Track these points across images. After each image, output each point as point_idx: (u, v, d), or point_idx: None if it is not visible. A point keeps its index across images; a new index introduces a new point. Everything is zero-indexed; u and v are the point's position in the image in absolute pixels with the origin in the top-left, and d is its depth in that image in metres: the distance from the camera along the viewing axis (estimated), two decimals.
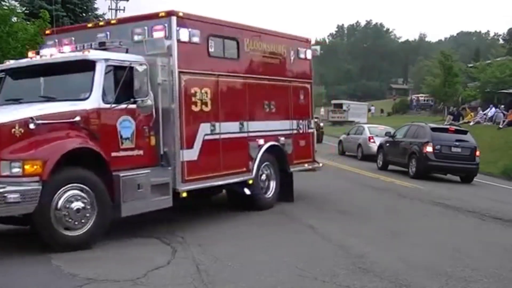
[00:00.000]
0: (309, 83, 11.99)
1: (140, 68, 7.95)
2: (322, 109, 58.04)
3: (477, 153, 18.13)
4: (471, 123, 35.43)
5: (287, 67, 11.31)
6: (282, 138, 10.89)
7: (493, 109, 37.35)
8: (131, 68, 7.93)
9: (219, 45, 9.48)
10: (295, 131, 11.38)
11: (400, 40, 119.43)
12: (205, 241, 7.89)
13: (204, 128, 9.03)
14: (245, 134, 9.98)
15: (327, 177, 16.88)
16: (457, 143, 18.04)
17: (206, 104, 9.07)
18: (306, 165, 11.80)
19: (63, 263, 6.54)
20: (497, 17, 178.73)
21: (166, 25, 8.47)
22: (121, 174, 7.67)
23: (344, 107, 57.65)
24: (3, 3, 18.74)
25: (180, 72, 8.54)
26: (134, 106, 8.03)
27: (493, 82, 44.45)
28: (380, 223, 10.07)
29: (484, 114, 37.23)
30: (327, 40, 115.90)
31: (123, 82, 7.88)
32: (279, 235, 8.71)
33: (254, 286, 6.13)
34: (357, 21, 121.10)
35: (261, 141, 10.28)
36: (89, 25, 10.01)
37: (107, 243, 7.59)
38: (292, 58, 11.36)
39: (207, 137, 9.05)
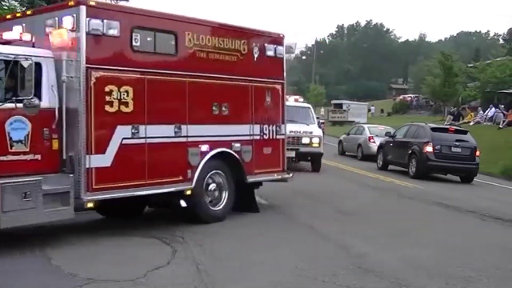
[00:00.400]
0: (280, 84, 10.58)
1: (25, 63, 7.04)
2: (322, 109, 58.03)
3: (477, 153, 18.13)
4: (471, 123, 35.46)
5: (247, 65, 9.89)
6: (237, 145, 9.60)
7: (493, 109, 37.38)
8: (16, 63, 7.06)
9: (148, 39, 8.39)
10: (257, 137, 10.03)
11: (400, 40, 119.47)
12: (205, 241, 7.89)
13: (122, 131, 7.91)
14: (183, 139, 8.75)
15: (327, 177, 16.92)
16: (457, 143, 18.05)
17: (126, 104, 7.93)
18: (275, 175, 10.50)
19: (63, 263, 6.54)
20: (497, 17, 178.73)
21: (74, 15, 7.53)
22: (1, 181, 6.77)
23: (344, 107, 57.64)
24: (3, 3, 18.74)
25: (89, 68, 7.53)
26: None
27: (493, 82, 44.43)
28: (380, 223, 10.07)
29: (485, 114, 37.27)
30: (327, 40, 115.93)
31: (8, 78, 7.11)
32: (279, 235, 8.71)
33: (254, 286, 6.13)
34: (357, 21, 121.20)
35: (205, 147, 9.03)
36: (8, 16, 9.15)
37: (107, 243, 7.59)
38: (255, 55, 10.04)
39: (126, 141, 7.94)
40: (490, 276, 6.77)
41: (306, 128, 17.69)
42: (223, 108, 9.40)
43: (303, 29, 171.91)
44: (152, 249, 7.42)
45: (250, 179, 9.88)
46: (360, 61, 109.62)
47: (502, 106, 38.55)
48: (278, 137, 10.51)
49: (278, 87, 10.57)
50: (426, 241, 8.69)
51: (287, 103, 18.98)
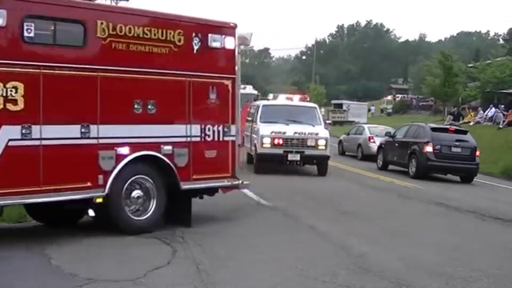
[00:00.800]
0: (230, 79, 9.24)
1: None
2: (323, 109, 57.97)
3: (477, 153, 18.15)
4: (471, 123, 35.47)
5: (184, 58, 8.71)
6: (168, 147, 8.42)
7: (493, 109, 37.41)
8: None
9: (46, 29, 7.47)
10: (196, 139, 8.80)
11: (400, 40, 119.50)
12: (205, 241, 7.89)
13: (9, 132, 7.00)
14: (92, 141, 7.71)
15: (327, 177, 16.89)
16: (457, 143, 18.07)
17: (14, 102, 7.00)
18: (225, 181, 9.20)
19: (63, 263, 6.54)
20: (497, 17, 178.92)
21: None
22: None
23: (344, 107, 57.67)
24: None
25: None
26: None
27: (493, 82, 44.46)
28: (380, 223, 10.07)
29: (485, 114, 37.29)
30: (327, 40, 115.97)
31: None
32: (279, 235, 8.71)
33: (254, 286, 6.14)
34: (357, 21, 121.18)
35: (123, 150, 7.93)
36: None
37: (107, 243, 7.59)
38: (195, 47, 8.78)
39: (13, 143, 7.02)
40: (490, 276, 6.77)
41: (312, 130, 16.74)
42: (149, 107, 8.24)
43: (303, 29, 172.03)
44: (152, 249, 7.41)
45: (186, 186, 8.59)
46: (360, 61, 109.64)
47: (502, 106, 38.57)
48: (226, 138, 9.16)
49: (227, 82, 9.23)
50: (426, 241, 8.70)
51: (290, 103, 18.71)
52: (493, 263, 7.46)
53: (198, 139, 8.86)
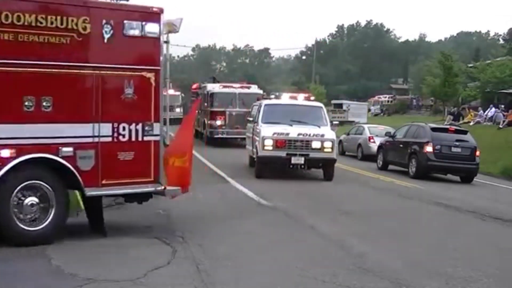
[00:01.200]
0: (153, 71, 8.09)
1: None
2: None
3: (477, 153, 18.16)
4: (471, 123, 35.48)
5: (90, 48, 7.71)
6: (68, 149, 7.43)
7: (493, 109, 37.42)
8: None
9: None
10: (107, 139, 7.76)
11: (400, 40, 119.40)
12: (205, 241, 7.89)
13: None
14: None
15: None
16: (457, 143, 18.07)
17: None
18: (148, 186, 8.09)
19: (63, 263, 6.54)
20: (497, 17, 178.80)
21: None
22: None
23: (344, 107, 57.68)
24: None
25: None
26: None
27: (493, 82, 44.49)
28: (380, 223, 10.08)
29: (485, 114, 37.30)
30: (327, 40, 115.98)
31: None
32: (279, 235, 8.71)
33: (254, 286, 6.14)
34: (357, 21, 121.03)
35: (6, 153, 7.00)
36: None
37: (107, 243, 7.59)
38: (106, 36, 7.73)
39: None
40: (490, 276, 6.77)
41: (317, 131, 15.46)
42: (44, 104, 7.28)
43: (303, 29, 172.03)
44: (152, 249, 7.41)
45: (92, 192, 7.60)
46: (360, 61, 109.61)
47: (502, 106, 38.58)
48: (147, 138, 8.06)
49: (149, 75, 8.08)
50: (426, 241, 8.70)
51: (295, 102, 17.61)
52: (493, 263, 7.46)
53: (109, 139, 7.80)
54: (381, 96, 72.76)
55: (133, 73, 7.98)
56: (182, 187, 8.31)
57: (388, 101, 68.71)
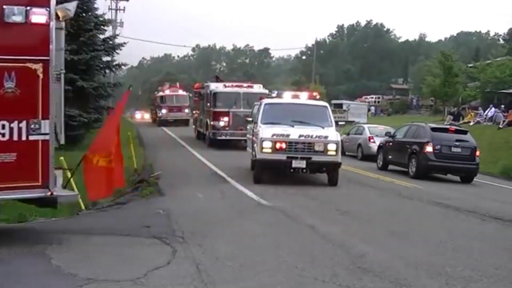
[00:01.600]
0: (40, 62, 7.18)
1: None
2: None
3: (477, 153, 18.16)
4: (471, 123, 35.49)
5: None
6: None
7: (493, 109, 37.44)
8: None
9: None
10: None
11: (400, 40, 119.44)
12: (205, 241, 7.89)
13: None
14: None
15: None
16: (457, 143, 18.07)
17: None
18: (34, 192, 7.23)
19: (63, 263, 6.54)
20: (497, 17, 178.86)
21: None
22: None
23: (344, 107, 57.69)
24: None
25: None
26: None
27: (493, 82, 44.54)
28: (380, 223, 10.07)
29: (485, 114, 37.31)
30: (327, 40, 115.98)
31: None
32: (279, 235, 8.71)
33: (254, 286, 6.13)
34: (357, 21, 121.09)
35: None
36: None
37: (107, 243, 7.59)
38: None
39: None
40: (490, 276, 6.77)
41: (321, 132, 14.38)
42: None
43: (303, 29, 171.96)
44: (152, 249, 7.42)
45: None
46: (360, 61, 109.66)
47: (502, 106, 38.59)
48: (33, 138, 7.18)
49: (36, 66, 7.17)
50: (426, 241, 8.70)
51: (297, 101, 16.14)
52: (493, 263, 7.45)
53: None
54: (367, 96, 73.43)
55: (14, 64, 7.07)
56: (108, 188, 8.02)
57: (375, 102, 69.66)
